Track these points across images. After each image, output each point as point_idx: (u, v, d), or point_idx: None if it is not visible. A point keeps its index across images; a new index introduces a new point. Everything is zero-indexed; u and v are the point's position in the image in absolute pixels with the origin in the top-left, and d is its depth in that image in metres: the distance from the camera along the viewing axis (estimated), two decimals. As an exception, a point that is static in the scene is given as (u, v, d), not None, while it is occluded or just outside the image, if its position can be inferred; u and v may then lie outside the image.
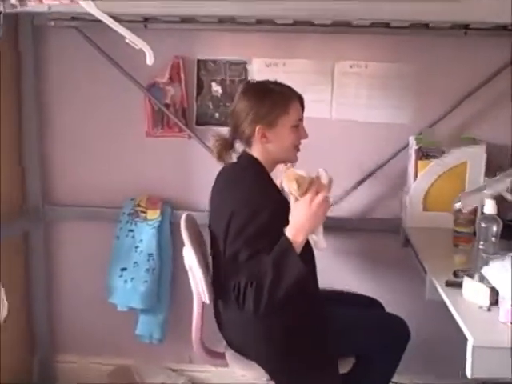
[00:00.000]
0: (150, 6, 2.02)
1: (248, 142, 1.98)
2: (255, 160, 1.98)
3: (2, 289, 1.93)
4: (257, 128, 1.93)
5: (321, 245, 1.84)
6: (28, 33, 2.59)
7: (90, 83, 2.67)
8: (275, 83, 2.00)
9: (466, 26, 2.36)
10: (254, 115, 1.93)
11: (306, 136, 1.99)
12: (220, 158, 2.04)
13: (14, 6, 2.08)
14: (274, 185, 1.99)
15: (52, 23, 2.54)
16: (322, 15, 2.00)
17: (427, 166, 2.35)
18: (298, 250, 1.77)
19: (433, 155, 2.36)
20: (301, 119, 2.00)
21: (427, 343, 2.60)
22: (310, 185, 1.79)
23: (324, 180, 1.82)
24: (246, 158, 1.99)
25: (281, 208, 1.84)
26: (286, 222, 1.80)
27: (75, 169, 2.75)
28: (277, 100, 1.95)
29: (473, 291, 1.67)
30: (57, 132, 2.73)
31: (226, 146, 2.04)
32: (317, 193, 1.78)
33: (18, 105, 2.66)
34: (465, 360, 1.49)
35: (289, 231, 1.78)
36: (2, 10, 2.08)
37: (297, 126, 1.97)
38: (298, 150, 2.00)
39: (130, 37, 1.88)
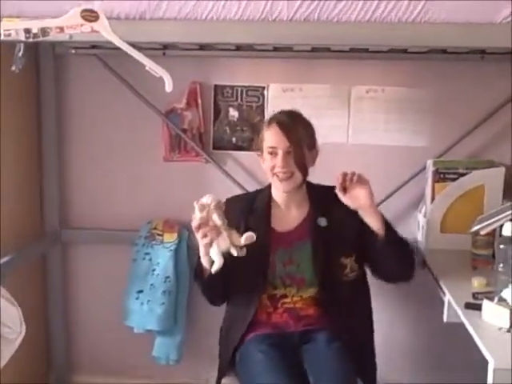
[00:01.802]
0: (169, 34, 2.06)
1: None
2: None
3: (20, 310, 1.95)
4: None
5: (213, 267, 1.88)
6: (49, 60, 2.65)
7: (110, 109, 2.71)
8: (277, 111, 2.09)
9: (483, 51, 2.38)
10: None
11: (280, 165, 1.97)
12: None
13: (35, 35, 2.12)
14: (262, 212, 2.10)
15: (73, 51, 2.60)
16: (341, 42, 2.03)
17: (444, 188, 2.37)
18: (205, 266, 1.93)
19: (450, 178, 2.38)
20: (275, 147, 1.99)
21: (446, 366, 2.59)
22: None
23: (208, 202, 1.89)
24: None
25: None
26: None
27: (93, 192, 2.79)
28: (263, 124, 2.10)
29: (493, 313, 1.67)
30: (75, 156, 2.78)
31: None
32: None
33: (38, 131, 2.71)
34: (485, 383, 1.49)
35: None
36: (24, 39, 2.12)
37: (272, 154, 2.00)
38: (278, 177, 2.00)
39: (149, 64, 1.92)
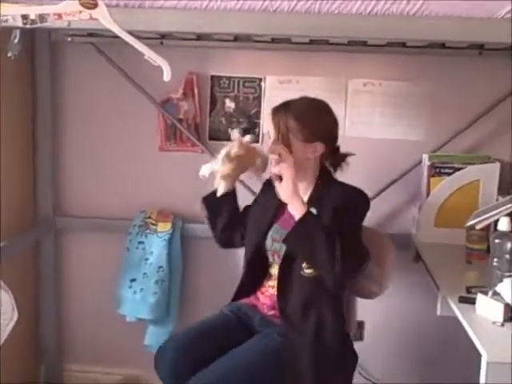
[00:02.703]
0: (168, 23, 2.05)
1: None
2: None
3: (12, 296, 1.95)
4: None
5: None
6: (45, 48, 2.63)
7: (105, 98, 2.70)
8: (290, 100, 2.04)
9: (481, 46, 2.40)
10: None
11: (266, 150, 2.02)
12: None
13: (33, 21, 2.10)
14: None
15: (69, 39, 2.58)
16: (341, 35, 2.02)
17: (440, 182, 2.38)
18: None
19: (446, 172, 2.39)
20: (268, 133, 2.05)
21: (439, 359, 2.61)
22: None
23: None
24: None
25: None
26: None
27: (87, 181, 2.78)
28: None
29: (486, 307, 1.68)
30: (70, 144, 2.76)
31: None
32: None
33: (33, 118, 2.70)
34: (478, 376, 1.50)
35: None
36: (22, 25, 2.10)
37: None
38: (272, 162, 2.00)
39: (148, 53, 1.90)
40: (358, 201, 1.96)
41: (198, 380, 1.85)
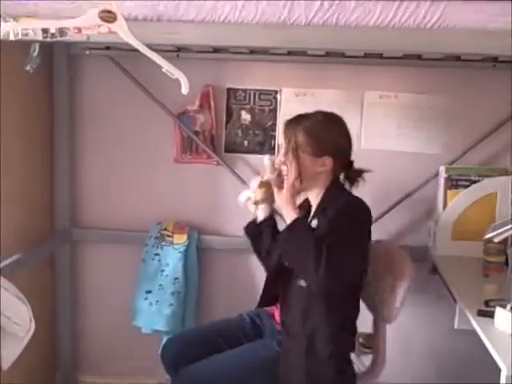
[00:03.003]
0: (186, 36, 2.06)
1: None
2: None
3: (29, 307, 1.95)
4: None
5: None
6: (63, 61, 2.66)
7: (122, 110, 2.73)
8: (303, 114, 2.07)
9: (495, 59, 2.40)
10: None
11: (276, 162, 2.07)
12: None
13: (53, 35, 2.13)
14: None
15: (87, 52, 2.61)
16: (358, 47, 2.03)
17: (457, 195, 2.37)
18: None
19: (462, 184, 2.39)
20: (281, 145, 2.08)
21: (456, 373, 2.60)
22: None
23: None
24: None
25: None
26: None
27: (104, 192, 2.80)
28: None
29: (505, 321, 1.66)
30: (87, 156, 2.79)
31: None
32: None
33: (51, 130, 2.72)
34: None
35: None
36: (42, 39, 2.12)
37: None
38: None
39: (166, 66, 1.92)
40: (352, 211, 1.92)
41: (186, 371, 2.01)
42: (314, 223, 1.96)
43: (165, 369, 2.19)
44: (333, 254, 1.77)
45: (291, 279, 1.97)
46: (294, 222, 1.89)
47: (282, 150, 2.01)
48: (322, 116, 2.01)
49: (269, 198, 2.11)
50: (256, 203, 2.12)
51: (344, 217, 1.89)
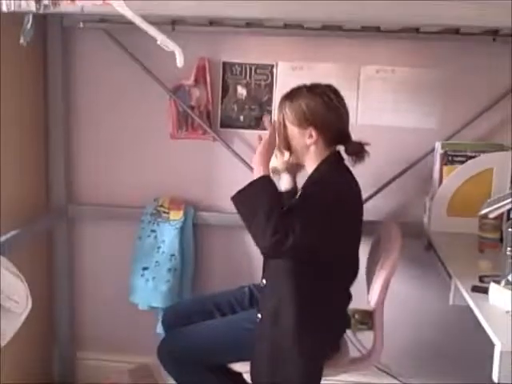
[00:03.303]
0: (179, 7, 2.04)
1: None
2: None
3: (26, 284, 1.96)
4: None
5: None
6: (57, 34, 2.62)
7: (116, 84, 2.70)
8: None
9: (495, 33, 2.37)
10: None
11: None
12: None
13: (46, 6, 2.10)
14: None
15: (81, 25, 2.57)
16: (355, 19, 2.00)
17: (453, 171, 2.36)
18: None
19: (459, 160, 2.37)
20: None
21: (451, 348, 2.61)
22: None
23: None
24: None
25: None
26: None
27: (99, 169, 2.78)
28: None
29: (499, 296, 1.66)
30: (82, 132, 2.76)
31: None
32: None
33: (45, 105, 2.70)
34: (491, 366, 1.50)
35: None
36: (35, 10, 2.09)
37: None
38: None
39: (161, 39, 1.90)
40: (321, 188, 1.93)
41: (172, 333, 2.21)
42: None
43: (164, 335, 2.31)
44: (286, 219, 1.80)
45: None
46: (257, 179, 1.92)
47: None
48: (307, 87, 2.03)
49: (291, 169, 2.11)
50: (274, 172, 2.10)
51: (312, 190, 1.93)
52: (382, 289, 2.07)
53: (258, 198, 1.87)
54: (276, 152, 2.07)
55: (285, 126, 2.02)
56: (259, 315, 2.04)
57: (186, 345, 2.10)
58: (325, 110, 1.98)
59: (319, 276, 1.94)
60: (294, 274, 1.95)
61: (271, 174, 2.06)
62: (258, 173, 1.95)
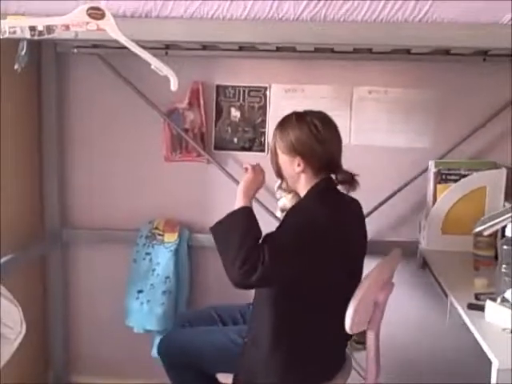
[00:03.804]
0: (174, 33, 2.06)
1: None
2: None
3: (20, 309, 1.94)
4: None
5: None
6: (51, 60, 2.65)
7: (111, 108, 2.72)
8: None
9: (485, 53, 2.40)
10: None
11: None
12: None
13: (41, 33, 2.11)
14: None
15: (75, 50, 2.60)
16: (347, 42, 2.03)
17: (446, 189, 2.37)
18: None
19: (452, 179, 2.39)
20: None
21: (449, 366, 2.60)
22: None
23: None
24: None
25: None
26: None
27: (93, 192, 2.79)
28: None
29: (496, 314, 1.67)
30: (76, 155, 2.77)
31: None
32: None
33: (39, 130, 2.71)
34: (488, 382, 1.50)
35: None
36: (29, 37, 2.11)
37: None
38: None
39: (155, 63, 1.92)
40: (300, 217, 1.90)
41: (171, 333, 2.30)
42: None
43: None
44: (256, 251, 1.79)
45: None
46: (237, 210, 1.93)
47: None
48: (297, 116, 2.01)
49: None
50: (284, 210, 2.10)
51: (287, 219, 1.92)
52: (353, 311, 1.89)
53: (232, 230, 1.87)
54: (284, 193, 2.11)
55: (276, 154, 2.02)
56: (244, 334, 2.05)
57: (182, 344, 2.14)
58: (312, 140, 1.96)
59: (299, 307, 1.91)
60: (275, 302, 1.93)
61: (278, 213, 2.11)
62: (238, 203, 1.95)
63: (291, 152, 1.97)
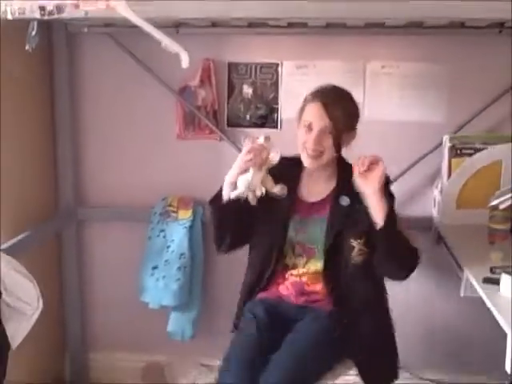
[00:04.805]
0: (182, 9, 2.05)
1: None
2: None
3: (37, 285, 1.97)
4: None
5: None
6: (62, 40, 2.64)
7: (123, 88, 2.71)
8: (323, 85, 2.03)
9: (501, 25, 2.36)
10: None
11: (311, 142, 1.96)
12: None
13: (51, 12, 2.11)
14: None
15: (85, 30, 2.59)
16: (359, 16, 2.00)
17: (461, 163, 2.36)
18: (224, 194, 2.01)
19: (467, 153, 2.37)
20: (312, 123, 1.96)
21: (464, 340, 2.62)
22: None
23: (260, 141, 1.94)
24: None
25: None
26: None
27: (107, 170, 2.80)
28: (303, 99, 2.03)
29: (511, 287, 1.67)
30: (90, 134, 2.78)
31: None
32: None
33: (52, 109, 2.71)
34: (503, 356, 1.50)
35: None
36: (39, 16, 2.10)
37: (309, 129, 1.97)
38: (307, 154, 1.98)
39: (166, 41, 1.91)
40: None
41: (267, 379, 1.81)
42: (345, 201, 2.00)
43: None
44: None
45: (333, 257, 2.01)
46: (391, 211, 1.89)
47: (314, 132, 1.97)
48: (346, 91, 2.05)
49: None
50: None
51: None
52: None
53: (400, 240, 1.95)
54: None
55: (340, 132, 2.01)
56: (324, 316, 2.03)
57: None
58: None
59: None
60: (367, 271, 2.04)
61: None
62: (381, 200, 1.88)
63: (353, 128, 2.02)
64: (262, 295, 2.09)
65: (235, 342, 1.97)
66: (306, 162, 2.01)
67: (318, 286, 2.04)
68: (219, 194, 2.03)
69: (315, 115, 1.96)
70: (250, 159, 1.90)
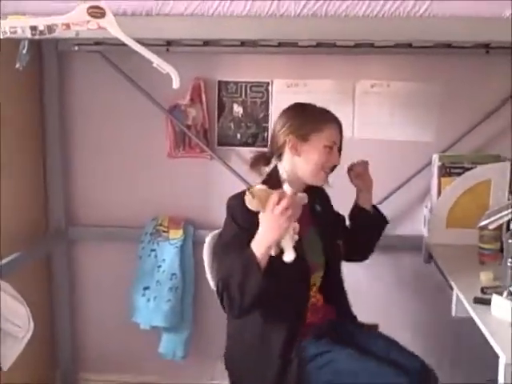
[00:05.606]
0: (175, 30, 2.05)
1: (279, 155, 1.95)
2: (278, 174, 1.96)
3: (27, 307, 1.95)
4: (288, 138, 1.92)
5: (287, 257, 1.69)
6: (52, 58, 2.64)
7: (113, 106, 2.71)
8: (319, 107, 1.99)
9: (488, 46, 2.39)
10: (288, 126, 1.93)
11: (337, 161, 1.96)
12: (252, 166, 2.03)
13: (42, 32, 2.11)
14: None
15: (76, 48, 2.59)
16: (349, 37, 2.02)
17: (450, 183, 2.37)
18: (263, 261, 1.70)
19: (456, 172, 2.38)
20: (335, 143, 1.95)
21: (455, 361, 2.60)
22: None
23: (288, 192, 1.72)
24: (273, 172, 1.98)
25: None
26: None
27: (98, 189, 2.79)
28: (314, 116, 1.95)
29: (502, 308, 1.67)
30: (80, 153, 2.77)
31: (261, 158, 2.03)
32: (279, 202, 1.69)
33: (42, 127, 2.71)
34: (496, 378, 1.49)
35: (253, 243, 1.72)
36: (30, 36, 2.10)
37: (330, 148, 1.93)
38: (326, 172, 1.96)
39: (156, 61, 1.91)
40: None
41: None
42: (318, 207, 2.05)
43: None
44: None
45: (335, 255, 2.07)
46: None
47: (335, 151, 1.96)
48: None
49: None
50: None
51: None
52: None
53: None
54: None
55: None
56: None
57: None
58: None
59: None
60: None
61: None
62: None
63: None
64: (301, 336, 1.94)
65: (347, 363, 1.86)
66: (322, 180, 1.97)
67: (321, 300, 2.03)
68: (257, 262, 1.71)
69: (337, 137, 1.97)
70: (293, 214, 1.71)
